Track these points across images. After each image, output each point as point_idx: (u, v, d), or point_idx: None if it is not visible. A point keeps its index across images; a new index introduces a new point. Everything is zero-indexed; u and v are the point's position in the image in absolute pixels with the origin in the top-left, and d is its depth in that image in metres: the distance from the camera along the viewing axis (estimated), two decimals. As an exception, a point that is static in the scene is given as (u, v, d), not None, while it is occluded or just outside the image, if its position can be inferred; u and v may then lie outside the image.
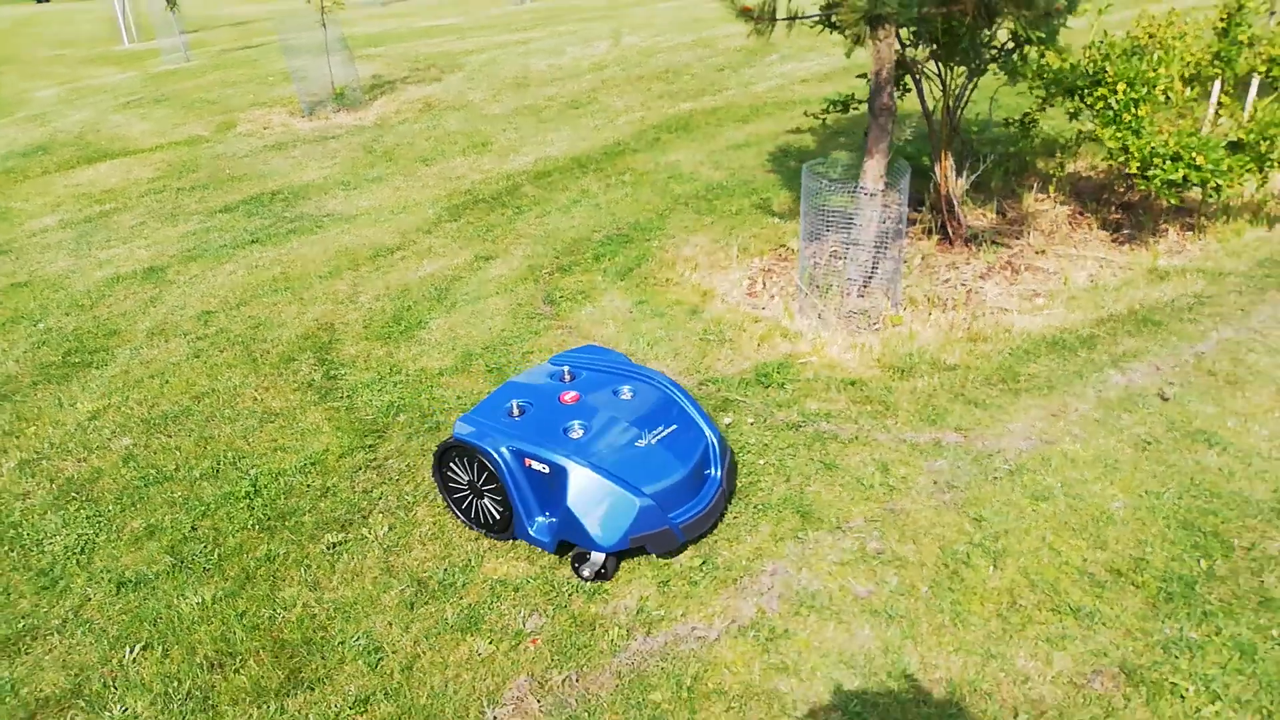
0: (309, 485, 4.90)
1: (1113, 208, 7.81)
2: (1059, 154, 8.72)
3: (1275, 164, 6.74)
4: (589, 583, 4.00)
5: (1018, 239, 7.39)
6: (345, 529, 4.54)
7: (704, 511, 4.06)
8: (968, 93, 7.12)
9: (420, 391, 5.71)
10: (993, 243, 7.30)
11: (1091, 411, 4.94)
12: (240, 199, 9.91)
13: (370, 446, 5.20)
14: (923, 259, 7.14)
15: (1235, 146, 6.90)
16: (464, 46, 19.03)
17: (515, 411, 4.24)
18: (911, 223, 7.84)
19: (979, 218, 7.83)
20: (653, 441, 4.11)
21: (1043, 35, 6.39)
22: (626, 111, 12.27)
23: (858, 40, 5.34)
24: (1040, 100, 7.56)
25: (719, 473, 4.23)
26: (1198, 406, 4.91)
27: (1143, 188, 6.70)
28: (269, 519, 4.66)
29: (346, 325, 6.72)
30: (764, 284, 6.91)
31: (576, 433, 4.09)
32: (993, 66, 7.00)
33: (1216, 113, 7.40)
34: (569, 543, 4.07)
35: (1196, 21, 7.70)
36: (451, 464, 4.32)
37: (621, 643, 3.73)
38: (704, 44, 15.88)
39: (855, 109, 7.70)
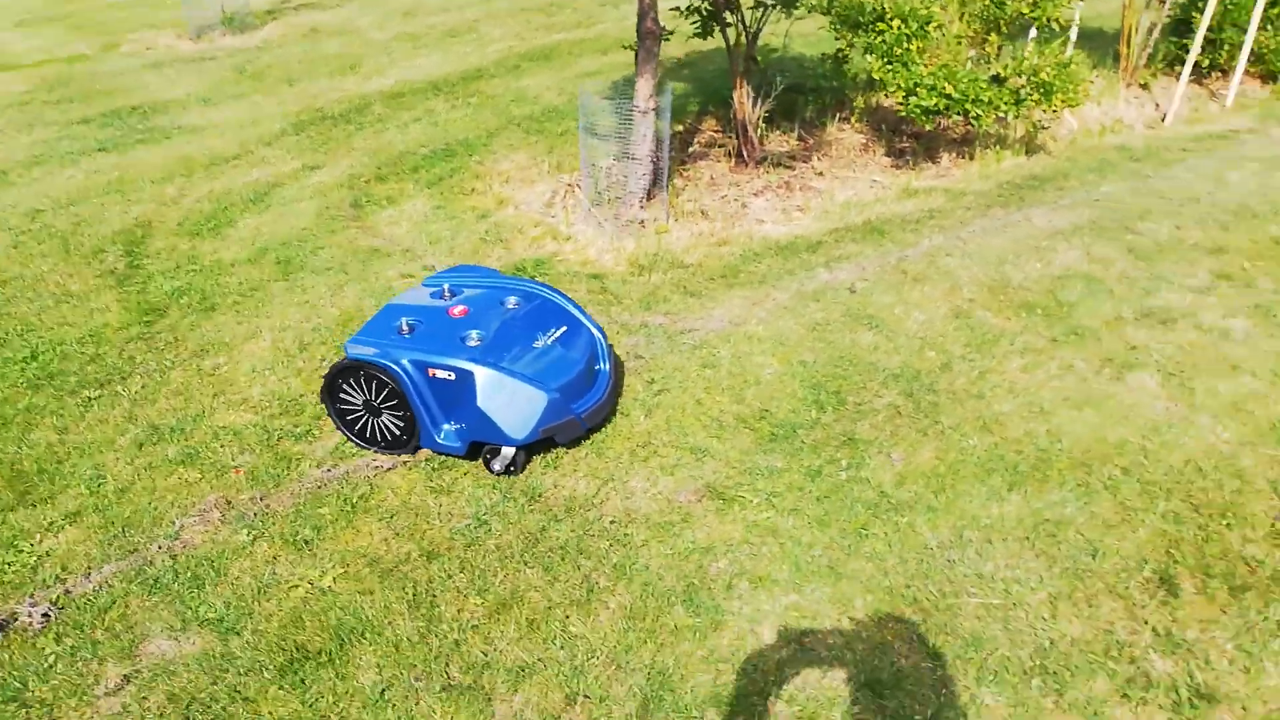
0: (82, 353, 5.42)
1: (904, 137, 8.45)
2: (866, 90, 9.31)
3: (1035, 100, 7.40)
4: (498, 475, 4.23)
5: (806, 162, 8.01)
6: (103, 386, 5.08)
7: (601, 400, 4.37)
8: (761, 26, 7.66)
9: (208, 279, 6.22)
10: (781, 165, 7.91)
11: (787, 301, 5.61)
12: (100, 112, 10.19)
13: (148, 323, 5.71)
14: (712, 177, 7.74)
15: (997, 81, 7.55)
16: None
17: (405, 329, 4.32)
18: (715, 145, 8.43)
19: (782, 143, 8.42)
20: (548, 341, 4.37)
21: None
22: (499, 40, 12.64)
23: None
24: (837, 35, 8.12)
25: (608, 365, 4.57)
26: (878, 297, 5.59)
27: (902, 113, 7.33)
28: (38, 378, 5.18)
29: (163, 223, 7.17)
30: (563, 196, 7.46)
31: (474, 340, 4.22)
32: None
33: (985, 51, 8.01)
34: (480, 443, 4.25)
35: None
36: (345, 386, 4.36)
37: (310, 472, 4.34)
38: (599, -20, 16.15)
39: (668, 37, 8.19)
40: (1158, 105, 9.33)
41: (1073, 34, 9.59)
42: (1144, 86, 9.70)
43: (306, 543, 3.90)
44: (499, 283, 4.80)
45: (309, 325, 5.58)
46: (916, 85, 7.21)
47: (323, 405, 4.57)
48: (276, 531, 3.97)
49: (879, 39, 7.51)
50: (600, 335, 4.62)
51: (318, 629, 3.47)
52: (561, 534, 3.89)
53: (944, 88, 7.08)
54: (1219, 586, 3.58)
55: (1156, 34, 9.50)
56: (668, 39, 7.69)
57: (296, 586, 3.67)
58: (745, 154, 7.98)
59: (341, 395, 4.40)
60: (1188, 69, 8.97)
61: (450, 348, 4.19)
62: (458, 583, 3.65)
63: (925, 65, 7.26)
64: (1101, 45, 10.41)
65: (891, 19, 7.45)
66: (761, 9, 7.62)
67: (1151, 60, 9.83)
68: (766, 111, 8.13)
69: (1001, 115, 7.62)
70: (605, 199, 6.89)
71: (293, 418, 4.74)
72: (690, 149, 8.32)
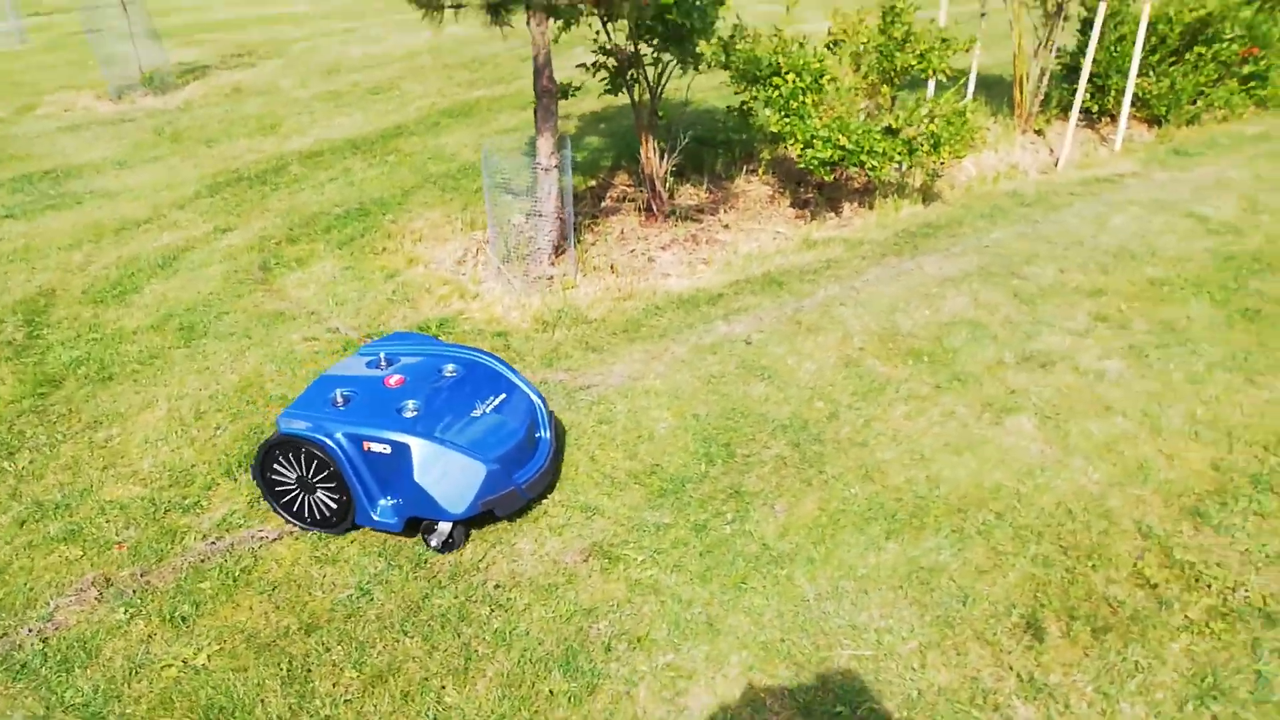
0: (-30, 428, 5.30)
1: (808, 188, 8.71)
2: (769, 143, 9.58)
3: (925, 151, 7.70)
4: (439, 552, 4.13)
5: (714, 215, 8.20)
6: (-12, 463, 4.98)
7: (542, 469, 4.28)
8: (665, 82, 7.88)
9: (108, 348, 6.14)
10: (689, 218, 8.09)
11: (684, 354, 5.72)
12: (10, 177, 10.04)
13: (42, 395, 5.62)
14: (622, 231, 7.88)
15: (891, 132, 7.84)
16: (295, 34, 19.17)
17: (340, 400, 4.20)
18: (626, 199, 8.60)
19: (691, 196, 8.62)
20: (487, 410, 4.29)
21: (698, 26, 7.15)
22: (421, 97, 12.77)
23: (495, 21, 5.99)
24: (738, 90, 8.39)
25: (549, 434, 4.48)
26: (772, 349, 5.73)
27: (802, 165, 7.58)
28: (-80, 457, 5.06)
29: (67, 290, 7.08)
30: (474, 254, 7.53)
31: (410, 411, 4.11)
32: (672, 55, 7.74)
33: (877, 103, 8.32)
34: (418, 518, 4.14)
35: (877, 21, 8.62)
36: (277, 462, 4.20)
37: (194, 545, 4.29)
38: (519, 35, 16.40)
39: (574, 93, 8.37)
40: (1051, 150, 9.74)
41: (971, 83, 10.03)
42: (1039, 132, 10.13)
43: (184, 619, 3.85)
44: (437, 350, 4.73)
45: (206, 393, 5.54)
46: (813, 137, 7.46)
47: (254, 482, 4.46)
48: (155, 609, 3.92)
49: (775, 93, 7.78)
50: (540, 401, 4.58)
51: (186, 710, 3.42)
52: (444, 601, 3.90)
53: (838, 139, 7.33)
54: (1082, 629, 3.71)
55: (1047, 81, 9.96)
56: (575, 94, 7.87)
57: (169, 666, 3.62)
58: (654, 208, 8.15)
59: (273, 474, 4.26)
60: (1074, 115, 9.40)
61: (386, 419, 4.08)
62: (335, 655, 3.64)
63: (820, 118, 7.52)
64: (1000, 93, 10.86)
65: (787, 73, 7.72)
66: (662, 66, 7.84)
67: (1045, 106, 10.29)
68: (674, 166, 8.32)
69: (898, 165, 7.91)
70: (514, 256, 6.97)
71: (182, 489, 4.69)
72: (602, 204, 8.47)
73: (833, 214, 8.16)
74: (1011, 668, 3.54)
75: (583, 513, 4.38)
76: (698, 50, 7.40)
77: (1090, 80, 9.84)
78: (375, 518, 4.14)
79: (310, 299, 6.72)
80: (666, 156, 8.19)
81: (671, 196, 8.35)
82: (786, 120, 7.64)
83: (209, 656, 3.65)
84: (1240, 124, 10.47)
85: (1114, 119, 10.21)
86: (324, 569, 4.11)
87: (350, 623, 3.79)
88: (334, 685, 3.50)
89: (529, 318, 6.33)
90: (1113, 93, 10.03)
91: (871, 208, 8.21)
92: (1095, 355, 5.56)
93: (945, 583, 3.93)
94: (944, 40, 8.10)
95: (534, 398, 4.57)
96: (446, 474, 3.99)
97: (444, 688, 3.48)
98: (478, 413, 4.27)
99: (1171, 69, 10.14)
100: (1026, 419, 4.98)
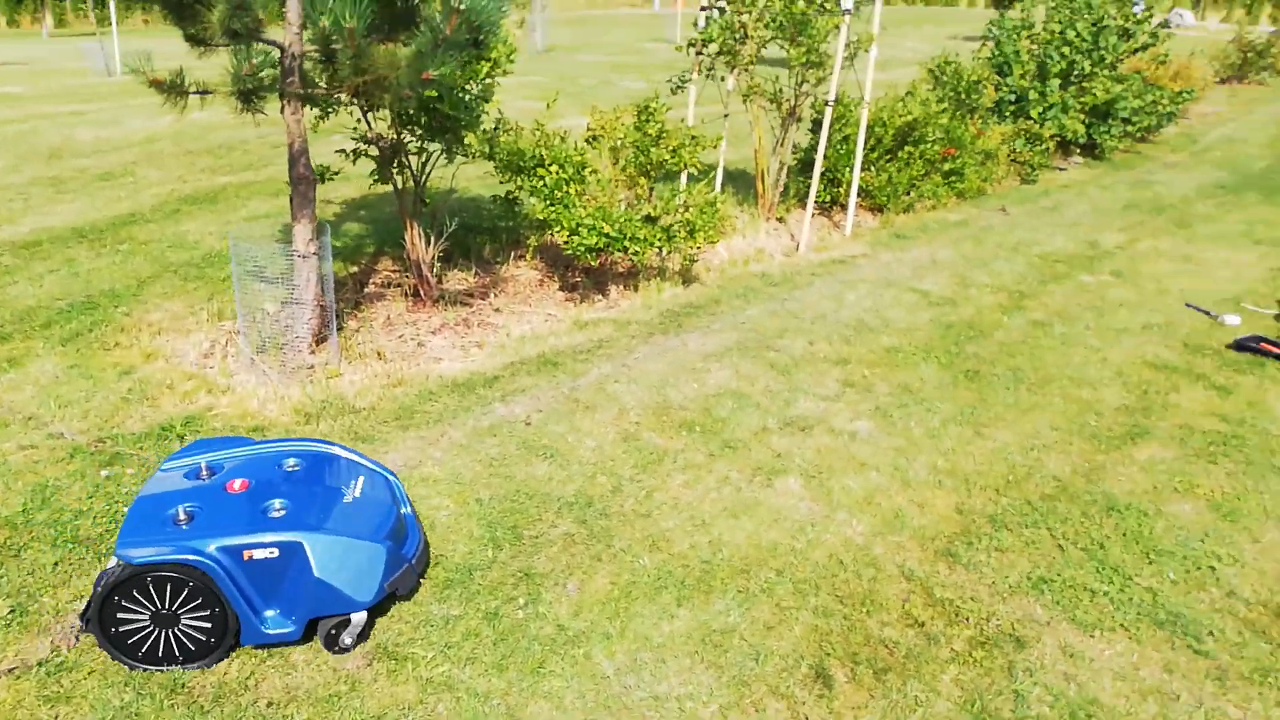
0: None
1: (576, 272, 8.92)
2: (537, 232, 9.78)
3: (682, 237, 8.15)
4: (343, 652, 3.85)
5: (484, 299, 8.18)
6: None
7: (421, 543, 4.23)
8: (429, 170, 7.85)
9: None
10: (459, 303, 8.01)
11: (462, 439, 5.58)
12: None
13: None
14: (389, 317, 7.65)
15: (650, 220, 8.24)
16: (8, 115, 17.34)
17: (183, 518, 3.74)
18: (392, 285, 8.39)
19: (460, 281, 8.55)
20: (356, 494, 4.10)
21: (463, 118, 7.24)
22: (160, 184, 11.88)
23: (246, 108, 5.73)
24: (510, 183, 8.52)
25: (410, 508, 4.38)
26: (552, 427, 5.73)
27: (567, 251, 7.77)
28: None
29: None
30: (223, 345, 6.99)
31: (278, 510, 3.82)
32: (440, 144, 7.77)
33: (636, 193, 8.77)
34: (317, 619, 3.82)
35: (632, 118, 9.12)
36: (127, 599, 3.64)
37: (-122, 700, 3.55)
38: (272, 121, 15.82)
39: (333, 177, 8.13)
40: (792, 236, 10.63)
41: (719, 176, 10.81)
42: (780, 220, 11.04)
43: None
44: (259, 450, 4.36)
45: (-108, 517, 4.69)
46: (578, 225, 7.69)
47: (86, 634, 3.82)
48: None
49: (540, 183, 7.99)
50: (394, 478, 4.45)
51: None
52: (207, 727, 3.46)
53: (603, 227, 7.60)
54: (865, 671, 3.90)
55: (785, 175, 10.93)
56: (332, 179, 7.64)
57: None
58: (422, 293, 8.00)
59: (122, 611, 3.66)
60: (810, 204, 10.35)
61: (259, 523, 3.75)
62: (72, 809, 3.11)
63: (584, 207, 7.78)
64: (744, 185, 11.77)
65: (550, 164, 7.96)
66: (427, 154, 7.82)
67: (785, 197, 11.26)
68: (442, 251, 8.24)
69: (659, 250, 8.31)
70: (270, 346, 6.55)
71: None
72: (366, 290, 8.21)
73: (601, 296, 8.38)
74: (807, 718, 3.64)
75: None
76: (465, 141, 7.47)
77: (823, 174, 10.90)
78: (268, 631, 3.77)
79: (26, 402, 5.92)
80: (434, 242, 8.10)
81: (440, 281, 8.24)
82: (552, 209, 7.84)
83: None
84: (945, 211, 11.97)
85: (844, 207, 11.34)
86: (56, 709, 3.53)
87: (90, 768, 3.27)
88: (71, 845, 2.98)
89: (289, 410, 5.93)
90: (842, 184, 11.16)
91: (636, 289, 8.52)
92: (847, 418, 6.02)
93: (737, 643, 4.01)
94: (693, 138, 8.69)
95: (388, 476, 4.44)
96: (346, 563, 3.80)
97: (211, 827, 3.06)
98: (348, 498, 4.10)
99: (888, 165, 11.47)
100: (794, 480, 5.27)
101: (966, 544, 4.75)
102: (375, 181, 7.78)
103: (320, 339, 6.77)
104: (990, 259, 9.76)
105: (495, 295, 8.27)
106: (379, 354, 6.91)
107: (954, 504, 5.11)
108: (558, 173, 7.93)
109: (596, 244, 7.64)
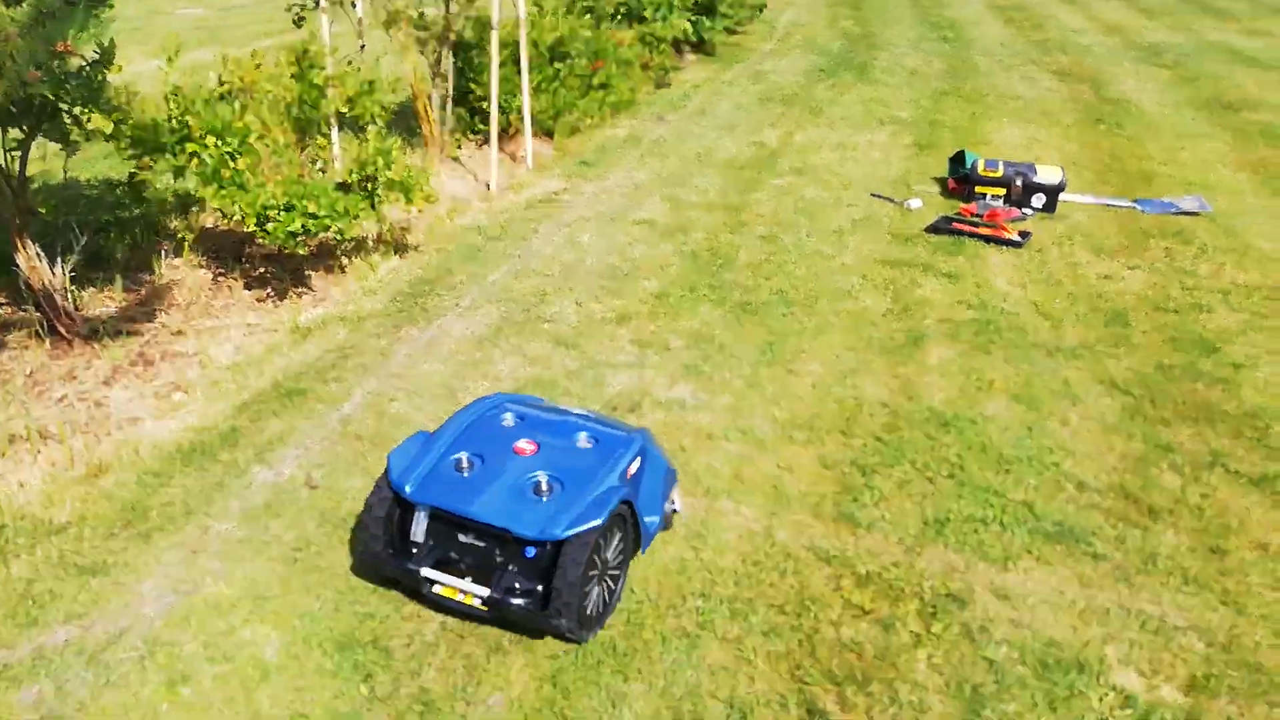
0: None
1: (256, 262, 7.28)
2: (192, 212, 7.86)
3: (385, 198, 6.92)
4: None
5: (152, 321, 6.36)
6: None
7: None
8: (23, 165, 5.76)
9: None
10: (120, 332, 6.14)
11: (236, 530, 4.23)
12: None
13: None
14: (30, 373, 5.66)
15: (344, 188, 6.89)
16: None
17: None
18: (13, 327, 6.22)
19: (105, 302, 6.58)
20: None
21: (81, 96, 5.33)
22: None
23: None
24: (135, 163, 6.59)
25: None
26: (345, 483, 4.56)
27: (266, 241, 6.26)
28: None
29: None
30: None
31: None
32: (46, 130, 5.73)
33: (312, 157, 7.31)
34: None
35: (282, 63, 7.48)
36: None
37: None
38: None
39: None
40: (476, 176, 9.66)
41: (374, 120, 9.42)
42: (455, 159, 9.99)
43: None
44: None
45: None
46: (267, 208, 6.18)
47: None
48: None
49: (194, 161, 6.30)
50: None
51: None
52: None
53: (306, 206, 6.18)
54: (850, 690, 3.55)
55: (450, 109, 9.83)
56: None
57: None
58: (62, 329, 6.01)
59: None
60: (494, 139, 9.43)
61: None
62: None
63: (273, 185, 6.26)
64: (401, 126, 10.43)
65: (204, 137, 6.27)
66: (20, 146, 5.72)
67: (454, 134, 10.17)
68: (72, 270, 6.22)
69: (363, 222, 7.02)
70: None
71: None
72: (-30, 341, 5.99)
73: (302, 288, 6.92)
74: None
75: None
76: (87, 125, 5.54)
77: (485, 103, 9.94)
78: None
79: None
80: (62, 260, 6.05)
81: (79, 308, 6.24)
82: (223, 193, 6.21)
83: None
84: (609, 129, 11.62)
85: (512, 138, 10.52)
86: None
87: None
88: None
89: (-55, 553, 4.10)
90: (510, 112, 10.30)
91: (342, 270, 7.16)
92: (665, 385, 5.51)
93: (712, 705, 3.44)
94: (370, 83, 7.36)
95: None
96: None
97: None
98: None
99: (550, 85, 10.79)
100: (651, 474, 4.69)
101: (853, 501, 4.54)
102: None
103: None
104: (685, 175, 9.62)
105: (164, 312, 6.47)
106: (41, 434, 5.05)
107: (815, 457, 4.87)
108: (218, 146, 6.28)
109: (305, 226, 6.21)
